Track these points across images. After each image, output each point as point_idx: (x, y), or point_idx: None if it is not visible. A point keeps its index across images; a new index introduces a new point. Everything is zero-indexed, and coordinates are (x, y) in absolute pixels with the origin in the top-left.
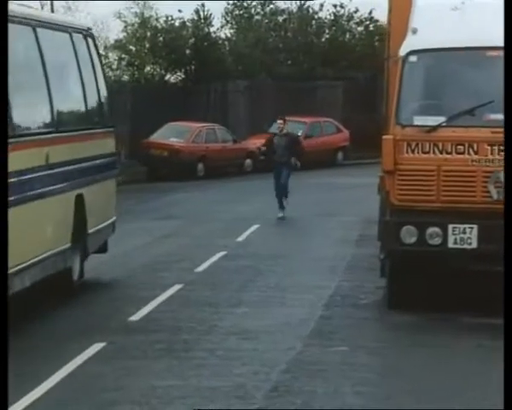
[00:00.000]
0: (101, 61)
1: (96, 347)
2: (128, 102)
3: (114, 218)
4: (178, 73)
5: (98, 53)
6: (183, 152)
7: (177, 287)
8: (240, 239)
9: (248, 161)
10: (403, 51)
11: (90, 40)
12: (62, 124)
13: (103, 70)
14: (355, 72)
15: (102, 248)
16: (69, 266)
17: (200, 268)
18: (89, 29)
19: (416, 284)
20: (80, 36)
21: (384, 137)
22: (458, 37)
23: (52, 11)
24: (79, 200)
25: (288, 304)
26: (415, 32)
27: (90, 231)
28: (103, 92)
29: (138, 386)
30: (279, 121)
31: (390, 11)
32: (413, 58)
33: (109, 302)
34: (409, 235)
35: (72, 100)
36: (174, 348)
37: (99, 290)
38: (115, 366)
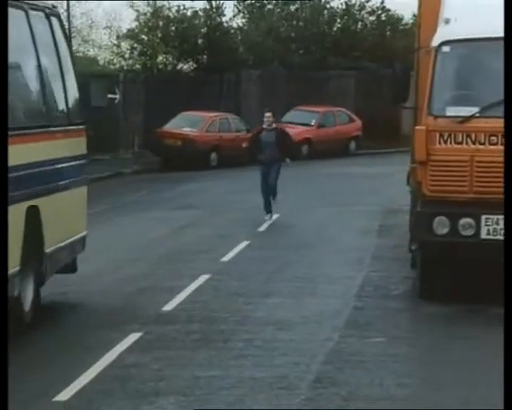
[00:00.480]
0: (69, 46)
1: (133, 337)
2: (141, 92)
3: (85, 232)
4: (190, 63)
5: (66, 36)
6: (197, 141)
7: (204, 277)
8: (261, 229)
9: None
10: (435, 42)
11: (54, 20)
12: (11, 120)
13: (72, 56)
14: (367, 61)
15: (70, 268)
16: (17, 295)
17: (226, 258)
18: (53, 7)
19: (447, 274)
20: (41, 15)
21: (416, 127)
22: (491, 27)
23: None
24: (32, 213)
25: (318, 295)
26: (447, 22)
27: (49, 249)
28: (71, 83)
29: (180, 376)
30: (267, 114)
31: (420, 2)
32: (446, 48)
33: (139, 293)
34: (441, 226)
35: (25, 91)
36: (211, 338)
37: (126, 281)
38: (155, 356)
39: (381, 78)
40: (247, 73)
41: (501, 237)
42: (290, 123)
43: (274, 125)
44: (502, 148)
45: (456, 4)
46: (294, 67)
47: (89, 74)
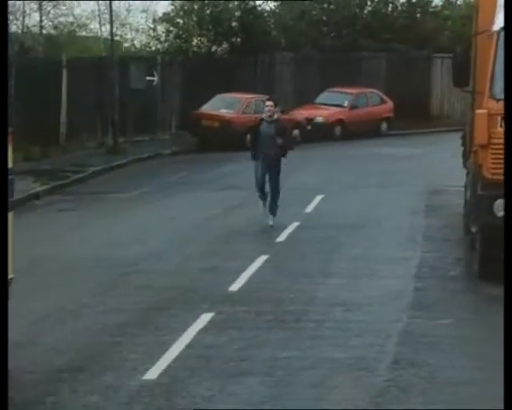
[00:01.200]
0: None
1: (205, 317)
2: (178, 74)
3: (11, 275)
4: (225, 46)
5: None
6: (233, 123)
7: (263, 257)
8: (309, 210)
9: (296, 132)
10: (497, 26)
11: None
12: None
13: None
14: (397, 43)
15: None
16: None
17: (280, 239)
18: None
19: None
20: None
21: (477, 111)
22: None
23: None
24: None
25: (378, 275)
26: None
27: None
28: None
29: (261, 357)
30: (268, 103)
31: None
32: None
33: (203, 273)
34: (502, 208)
35: None
36: (283, 319)
37: (188, 262)
38: (231, 337)
39: (412, 59)
40: (281, 55)
41: None
42: (323, 104)
43: (276, 116)
44: None
45: None
46: (327, 49)
47: (128, 57)
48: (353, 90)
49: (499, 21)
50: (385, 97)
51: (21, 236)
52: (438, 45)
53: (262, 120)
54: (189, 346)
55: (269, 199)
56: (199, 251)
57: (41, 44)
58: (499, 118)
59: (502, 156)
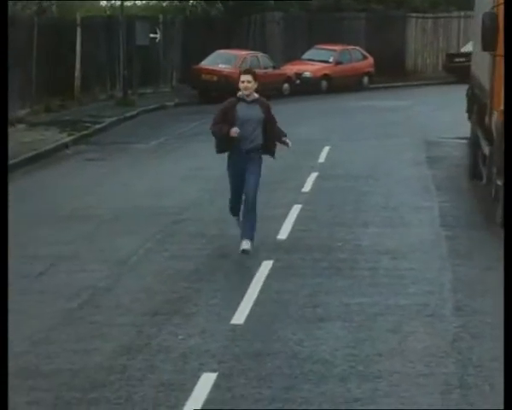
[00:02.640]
0: None
1: (267, 264)
2: (179, 32)
3: None
4: (218, 6)
5: None
6: (231, 77)
7: (297, 207)
8: (321, 160)
9: (286, 85)
10: None
11: None
12: None
13: None
14: (376, 4)
15: None
16: None
17: (306, 189)
18: None
19: None
20: None
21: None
22: None
23: None
24: None
25: (410, 224)
26: None
27: None
28: None
29: (332, 303)
30: (244, 77)
31: None
32: None
33: None
34: None
35: None
36: (337, 266)
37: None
38: (297, 283)
39: (389, 19)
40: (272, 15)
41: None
42: (310, 60)
43: (256, 96)
44: None
45: None
46: (313, 10)
47: (133, 16)
48: (337, 47)
49: None
50: (366, 54)
51: (64, 185)
52: (412, 6)
53: (239, 99)
54: (261, 291)
55: (243, 210)
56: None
57: (55, 5)
58: None
59: None
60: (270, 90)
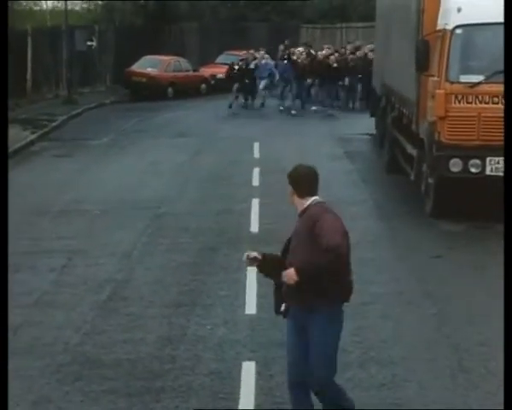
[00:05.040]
0: None
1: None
2: (111, 40)
3: None
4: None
5: None
6: (157, 79)
7: (255, 201)
8: (257, 156)
9: (203, 86)
10: (450, 26)
11: None
12: None
13: None
14: (276, 16)
15: None
16: None
17: (255, 183)
18: None
19: (458, 200)
20: None
21: (437, 91)
22: (494, 13)
23: None
24: None
25: (353, 217)
26: (459, 10)
27: None
28: None
29: None
30: None
31: None
32: (459, 31)
33: (216, 215)
34: (455, 165)
35: None
36: None
37: (197, 204)
38: None
39: (285, 28)
40: (188, 25)
41: (501, 174)
42: (222, 63)
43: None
44: (501, 106)
45: None
46: (222, 20)
47: (73, 26)
48: (242, 53)
49: (452, 22)
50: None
51: (44, 181)
52: (305, 17)
53: None
54: (259, 283)
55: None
56: (200, 194)
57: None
58: (453, 96)
59: (455, 125)
60: (190, 89)
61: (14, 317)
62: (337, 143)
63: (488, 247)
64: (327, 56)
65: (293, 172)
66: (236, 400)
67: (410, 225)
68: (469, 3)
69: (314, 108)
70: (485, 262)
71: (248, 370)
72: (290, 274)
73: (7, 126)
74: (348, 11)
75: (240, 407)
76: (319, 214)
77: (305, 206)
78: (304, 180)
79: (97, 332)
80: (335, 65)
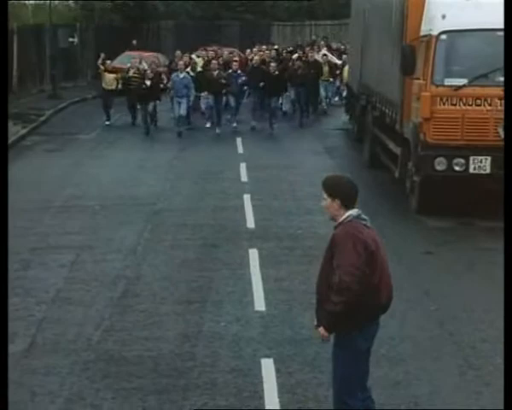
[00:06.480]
0: None
1: (253, 253)
2: (92, 36)
3: None
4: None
5: None
6: None
7: (247, 196)
8: (241, 151)
9: None
10: (435, 32)
11: None
12: None
13: None
14: (249, 15)
15: None
16: None
17: (243, 179)
18: None
19: (442, 197)
20: None
21: (423, 93)
22: (476, 21)
23: None
24: None
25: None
26: (444, 17)
27: None
28: None
29: None
30: None
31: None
32: (443, 36)
33: (213, 211)
34: (440, 164)
35: None
36: (311, 253)
37: (194, 200)
38: (289, 271)
39: (257, 26)
40: (165, 23)
41: (483, 172)
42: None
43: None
44: (484, 108)
45: (440, 4)
46: (197, 18)
47: (56, 25)
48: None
49: (437, 28)
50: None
51: (40, 177)
52: (275, 16)
53: None
54: (263, 280)
55: None
56: (194, 190)
57: None
58: (438, 98)
59: (440, 126)
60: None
61: (36, 314)
62: (318, 139)
63: (477, 244)
64: (263, 61)
65: (336, 181)
66: (261, 398)
67: (397, 221)
68: (453, 11)
69: (253, 123)
70: (475, 259)
71: (267, 367)
72: (323, 334)
73: (7, 126)
74: (317, 10)
75: (267, 408)
76: (342, 238)
77: (342, 219)
78: (352, 192)
79: (117, 329)
80: (276, 73)
